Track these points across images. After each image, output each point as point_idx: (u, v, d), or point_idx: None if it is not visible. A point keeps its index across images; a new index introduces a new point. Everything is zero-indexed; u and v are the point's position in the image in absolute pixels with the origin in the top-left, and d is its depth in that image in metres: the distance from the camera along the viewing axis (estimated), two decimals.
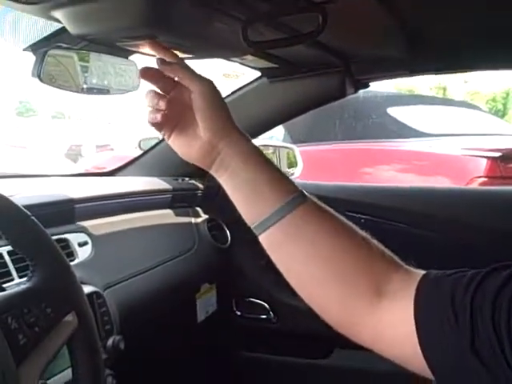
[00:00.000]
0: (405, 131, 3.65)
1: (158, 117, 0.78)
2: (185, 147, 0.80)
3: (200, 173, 1.85)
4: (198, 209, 1.83)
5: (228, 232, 1.86)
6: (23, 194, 1.26)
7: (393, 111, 3.84)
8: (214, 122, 0.77)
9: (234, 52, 1.18)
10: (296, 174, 2.12)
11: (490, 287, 0.63)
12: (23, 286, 0.77)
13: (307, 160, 3.45)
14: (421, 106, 4.27)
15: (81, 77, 1.04)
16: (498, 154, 3.02)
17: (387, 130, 3.66)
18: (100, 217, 1.44)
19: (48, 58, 0.98)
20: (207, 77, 0.81)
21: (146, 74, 0.81)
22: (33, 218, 0.83)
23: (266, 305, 1.86)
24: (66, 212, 1.33)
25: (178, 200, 1.76)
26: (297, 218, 0.75)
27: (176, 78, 0.79)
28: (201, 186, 1.83)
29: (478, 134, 3.80)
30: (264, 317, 1.86)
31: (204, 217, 1.82)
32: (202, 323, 1.70)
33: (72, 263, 1.24)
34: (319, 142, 3.83)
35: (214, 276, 1.78)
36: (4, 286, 0.96)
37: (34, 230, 0.83)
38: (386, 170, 3.47)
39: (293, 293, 2.00)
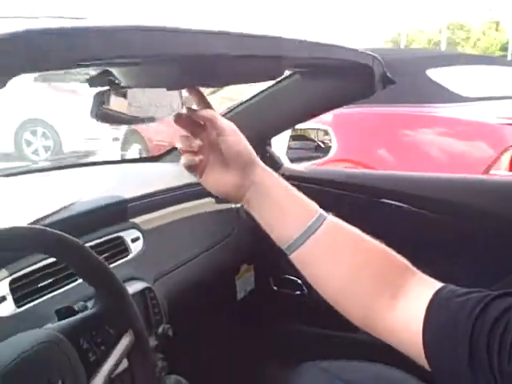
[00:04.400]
0: (444, 95, 3.67)
1: (197, 159, 0.90)
2: (216, 185, 0.92)
3: None
4: None
5: None
6: (80, 199, 1.43)
7: (432, 73, 3.84)
8: (243, 159, 0.90)
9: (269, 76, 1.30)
10: (330, 155, 2.23)
11: (488, 318, 0.76)
12: (90, 312, 0.94)
13: (347, 123, 3.54)
14: (464, 66, 4.23)
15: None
16: None
17: (426, 93, 3.69)
18: (150, 212, 1.60)
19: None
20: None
21: (179, 120, 0.91)
22: (86, 247, 0.96)
23: (299, 281, 2.02)
24: (119, 212, 1.49)
25: None
26: (322, 235, 0.88)
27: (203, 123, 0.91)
28: None
29: None
30: (298, 292, 2.02)
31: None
32: (241, 300, 1.88)
33: (127, 258, 1.43)
34: (359, 105, 3.89)
35: (253, 257, 1.94)
36: None
37: (92, 259, 0.97)
38: (423, 137, 3.53)
39: None
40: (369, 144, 3.56)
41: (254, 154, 0.93)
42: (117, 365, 0.94)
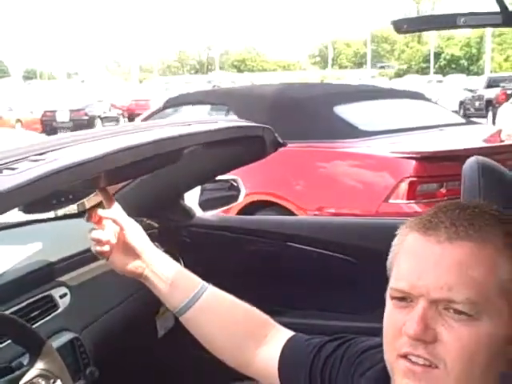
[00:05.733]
0: (349, 131, 4.05)
1: (104, 248, 1.20)
2: (120, 266, 1.23)
3: (154, 214, 2.27)
4: (156, 243, 2.25)
5: (181, 260, 2.28)
6: (13, 265, 1.67)
7: (339, 109, 4.21)
8: (139, 248, 1.22)
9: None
10: (240, 199, 2.52)
11: (321, 357, 1.10)
12: (24, 369, 1.20)
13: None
14: (370, 101, 4.64)
15: None
16: (422, 156, 3.46)
17: (332, 129, 4.05)
18: (76, 269, 1.85)
19: None
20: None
21: (90, 217, 1.21)
22: (14, 317, 1.24)
23: None
24: (47, 273, 1.73)
25: None
26: (203, 303, 1.20)
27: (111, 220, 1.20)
28: (156, 224, 2.24)
29: (421, 128, 4.24)
30: None
31: (160, 249, 2.24)
32: (162, 337, 2.15)
33: (56, 313, 1.68)
34: None
35: None
36: None
37: (20, 327, 1.24)
38: (327, 170, 3.89)
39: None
40: (279, 179, 3.92)
41: (149, 242, 1.25)
42: None
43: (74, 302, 1.76)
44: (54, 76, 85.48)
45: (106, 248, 1.20)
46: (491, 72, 32.31)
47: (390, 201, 3.43)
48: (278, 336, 1.18)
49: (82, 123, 20.23)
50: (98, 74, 77.56)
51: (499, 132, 4.06)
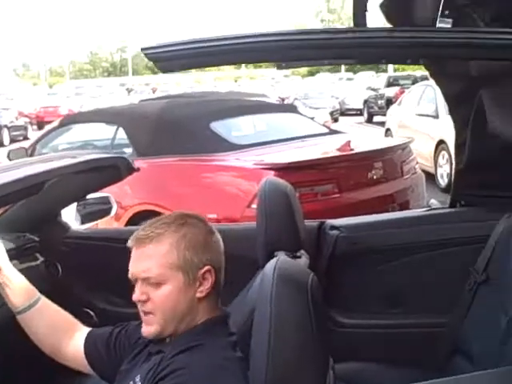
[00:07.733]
0: (223, 145, 4.63)
1: None
2: None
3: (34, 229, 2.74)
4: (37, 254, 2.72)
5: (59, 266, 2.77)
6: None
7: (215, 126, 4.77)
8: (1, 263, 1.77)
9: None
10: (112, 213, 3.02)
11: (113, 334, 1.75)
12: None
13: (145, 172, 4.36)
14: (246, 116, 5.26)
15: None
16: (278, 167, 4.05)
17: (208, 144, 4.61)
18: None
19: None
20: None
21: None
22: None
23: (91, 312, 2.80)
24: None
25: (24, 250, 2.65)
26: (35, 309, 1.78)
27: None
28: (36, 238, 2.71)
29: (285, 140, 4.87)
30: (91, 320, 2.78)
31: (41, 259, 2.72)
32: None
33: None
34: (159, 155, 4.69)
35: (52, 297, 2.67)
36: None
37: None
38: (201, 182, 4.43)
39: (110, 302, 2.97)
40: (161, 190, 4.45)
41: (6, 260, 1.83)
42: None
43: None
44: None
45: None
46: (395, 70, 33.51)
47: (252, 206, 3.98)
48: (83, 332, 1.79)
49: None
50: (6, 79, 75.29)
51: (349, 142, 4.72)
